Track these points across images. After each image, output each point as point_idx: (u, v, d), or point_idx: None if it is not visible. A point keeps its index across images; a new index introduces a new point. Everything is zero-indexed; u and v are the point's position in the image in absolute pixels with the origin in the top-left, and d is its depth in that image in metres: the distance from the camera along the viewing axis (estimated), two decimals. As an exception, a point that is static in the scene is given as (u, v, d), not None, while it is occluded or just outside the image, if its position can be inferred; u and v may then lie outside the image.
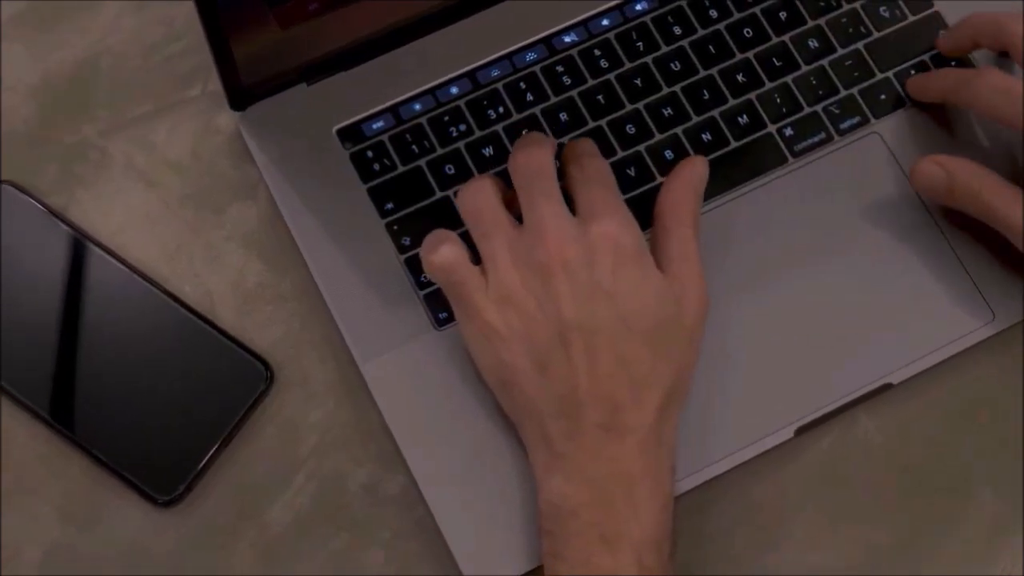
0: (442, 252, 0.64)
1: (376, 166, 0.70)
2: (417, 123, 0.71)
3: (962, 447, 0.69)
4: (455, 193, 0.69)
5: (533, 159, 0.65)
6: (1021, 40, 0.66)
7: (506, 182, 0.67)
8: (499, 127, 0.71)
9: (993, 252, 0.69)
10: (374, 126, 0.71)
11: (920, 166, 0.68)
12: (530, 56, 0.72)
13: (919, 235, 0.70)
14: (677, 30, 0.73)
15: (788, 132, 0.72)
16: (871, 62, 0.73)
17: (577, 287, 0.62)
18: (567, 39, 0.73)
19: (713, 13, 0.73)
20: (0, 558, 0.66)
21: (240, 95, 0.69)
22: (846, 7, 0.74)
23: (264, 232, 0.71)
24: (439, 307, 0.68)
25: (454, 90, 0.71)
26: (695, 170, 0.67)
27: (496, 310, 0.63)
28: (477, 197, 0.65)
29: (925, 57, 0.73)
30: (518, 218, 0.65)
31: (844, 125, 0.72)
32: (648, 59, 0.72)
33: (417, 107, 0.71)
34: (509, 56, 0.72)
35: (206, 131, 0.72)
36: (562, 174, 0.66)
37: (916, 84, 0.72)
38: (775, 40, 0.73)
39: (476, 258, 0.65)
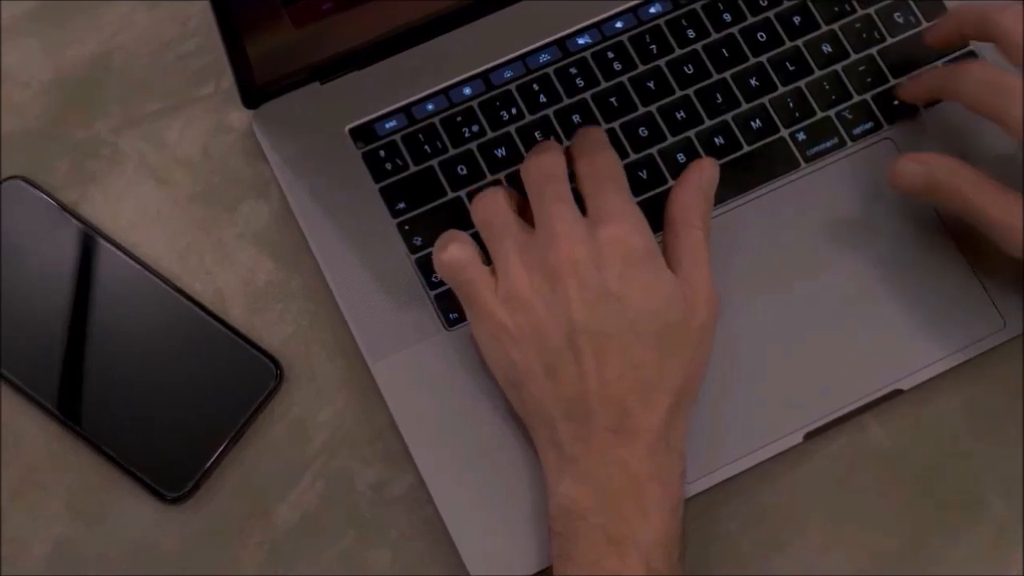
0: (452, 251, 0.64)
1: (388, 166, 0.70)
2: (430, 123, 0.71)
3: (971, 454, 0.69)
4: (467, 195, 0.69)
5: (544, 163, 0.65)
6: (1008, 32, 0.65)
7: (518, 188, 0.67)
8: (512, 128, 0.71)
9: (1005, 259, 0.69)
10: (387, 126, 0.71)
11: (898, 164, 0.67)
12: (543, 58, 0.72)
13: (931, 241, 0.70)
14: (691, 33, 0.73)
15: (801, 137, 0.71)
16: (884, 68, 0.73)
17: (587, 291, 0.62)
18: (581, 41, 0.73)
19: (727, 17, 0.73)
20: (9, 553, 0.66)
21: (253, 93, 0.69)
22: (860, 12, 0.74)
23: (275, 230, 0.71)
24: (449, 307, 0.68)
25: (467, 91, 0.71)
26: (705, 173, 0.67)
27: (506, 311, 0.63)
28: (488, 204, 0.65)
29: (939, 63, 0.73)
30: (532, 226, 0.65)
31: (857, 131, 0.72)
32: (661, 62, 0.72)
33: (430, 107, 0.71)
34: (522, 57, 0.72)
35: (218, 129, 0.73)
36: (570, 162, 0.66)
37: (906, 89, 0.71)
38: (789, 45, 0.73)
39: (488, 260, 0.65)
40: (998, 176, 0.65)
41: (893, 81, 0.72)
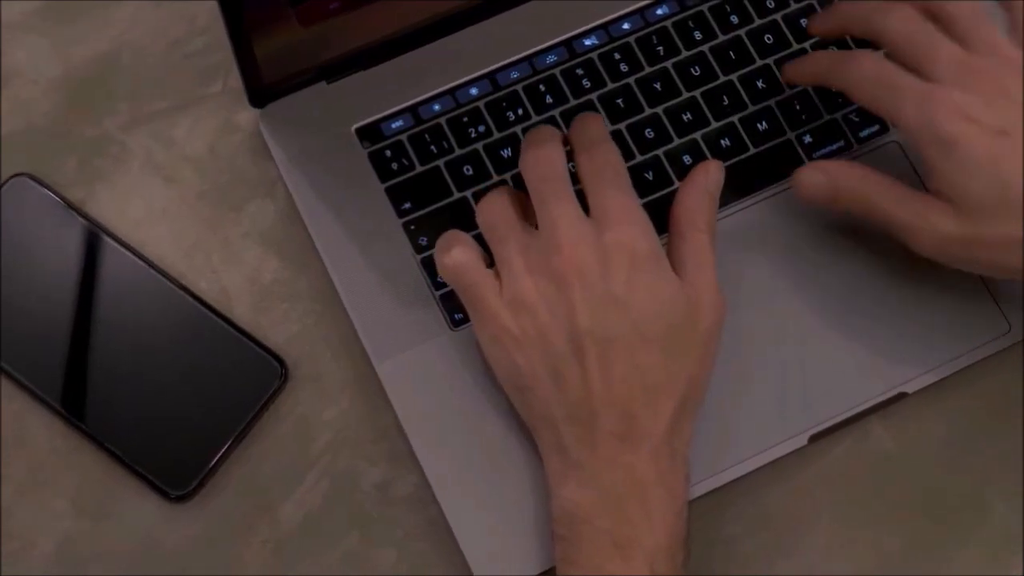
0: (454, 254, 0.64)
1: (394, 165, 0.70)
2: (436, 123, 0.71)
3: (974, 457, 0.69)
4: (473, 195, 0.69)
5: (543, 159, 0.64)
6: (894, 35, 0.65)
7: (523, 189, 0.66)
8: (518, 129, 0.71)
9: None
10: (393, 125, 0.71)
11: (800, 175, 0.67)
12: (550, 58, 0.72)
13: (937, 245, 0.70)
14: (698, 35, 0.73)
15: (807, 139, 0.71)
16: (892, 70, 0.73)
17: (592, 296, 0.61)
18: (587, 42, 0.73)
19: (734, 19, 0.73)
20: (13, 550, 0.66)
21: (260, 92, 0.69)
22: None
23: (281, 229, 0.71)
24: (455, 307, 0.68)
25: (474, 91, 0.71)
26: (710, 175, 0.67)
27: (510, 314, 0.62)
28: (492, 207, 0.65)
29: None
30: (535, 223, 0.64)
31: (863, 133, 0.72)
32: (668, 63, 0.72)
33: (436, 107, 0.71)
34: (529, 58, 0.72)
35: (226, 128, 0.73)
36: (571, 155, 0.66)
37: (790, 70, 0.70)
38: (795, 47, 0.73)
39: (491, 261, 0.65)
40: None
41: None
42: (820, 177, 0.66)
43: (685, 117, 0.71)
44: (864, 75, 0.65)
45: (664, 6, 0.73)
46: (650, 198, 0.70)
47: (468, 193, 0.70)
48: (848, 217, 0.69)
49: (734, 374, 0.67)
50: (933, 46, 0.64)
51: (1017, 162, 0.61)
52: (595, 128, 0.67)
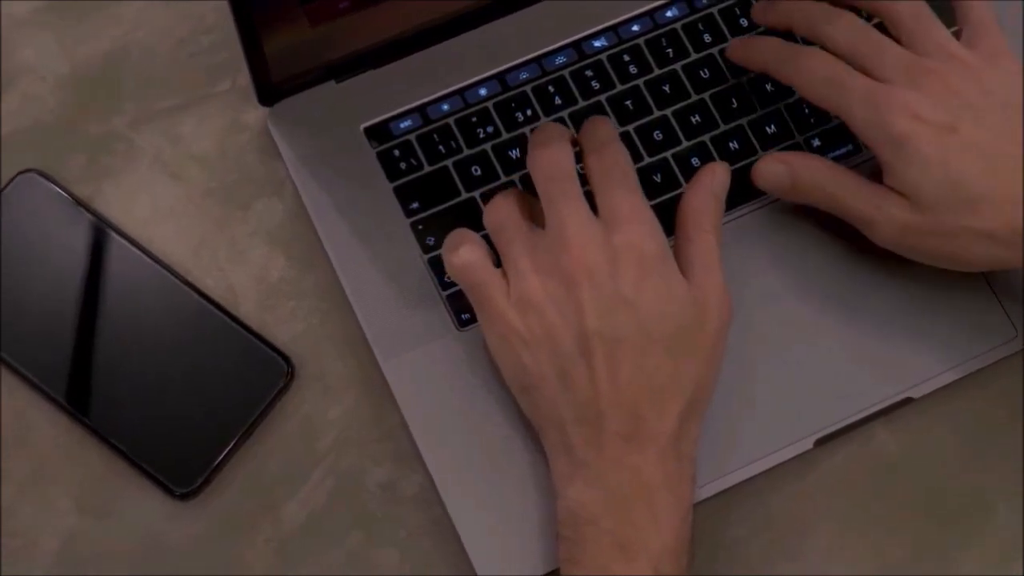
0: (462, 253, 0.64)
1: (403, 165, 0.70)
2: (445, 123, 0.71)
3: (980, 463, 0.69)
4: (482, 196, 0.69)
5: (551, 159, 0.64)
6: (838, 42, 0.66)
7: (531, 190, 0.66)
8: (526, 129, 0.71)
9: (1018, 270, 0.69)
10: (402, 125, 0.71)
11: (760, 165, 0.67)
12: (559, 60, 0.72)
13: (944, 249, 0.70)
14: (707, 37, 0.73)
15: (815, 143, 0.71)
16: (900, 75, 0.73)
17: (600, 297, 0.61)
18: (597, 44, 0.73)
19: (743, 22, 0.73)
20: (17, 547, 0.66)
21: (269, 91, 0.69)
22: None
23: (289, 228, 0.71)
24: (461, 308, 0.68)
25: (482, 91, 0.71)
26: (716, 176, 0.67)
27: (517, 314, 0.62)
28: (499, 209, 0.65)
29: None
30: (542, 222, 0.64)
31: (872, 137, 0.72)
32: (677, 66, 0.72)
33: (445, 107, 0.71)
34: (538, 59, 0.72)
35: (234, 126, 0.73)
36: (579, 157, 0.66)
37: (736, 50, 0.71)
38: (804, 50, 0.73)
39: (499, 261, 0.65)
40: None
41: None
42: (780, 167, 0.67)
43: (694, 119, 0.71)
44: (814, 73, 0.66)
45: (674, 8, 0.73)
46: (658, 200, 0.70)
47: (476, 193, 0.70)
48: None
49: (741, 377, 0.67)
50: (880, 50, 0.65)
51: (967, 159, 0.62)
52: (604, 130, 0.67)
